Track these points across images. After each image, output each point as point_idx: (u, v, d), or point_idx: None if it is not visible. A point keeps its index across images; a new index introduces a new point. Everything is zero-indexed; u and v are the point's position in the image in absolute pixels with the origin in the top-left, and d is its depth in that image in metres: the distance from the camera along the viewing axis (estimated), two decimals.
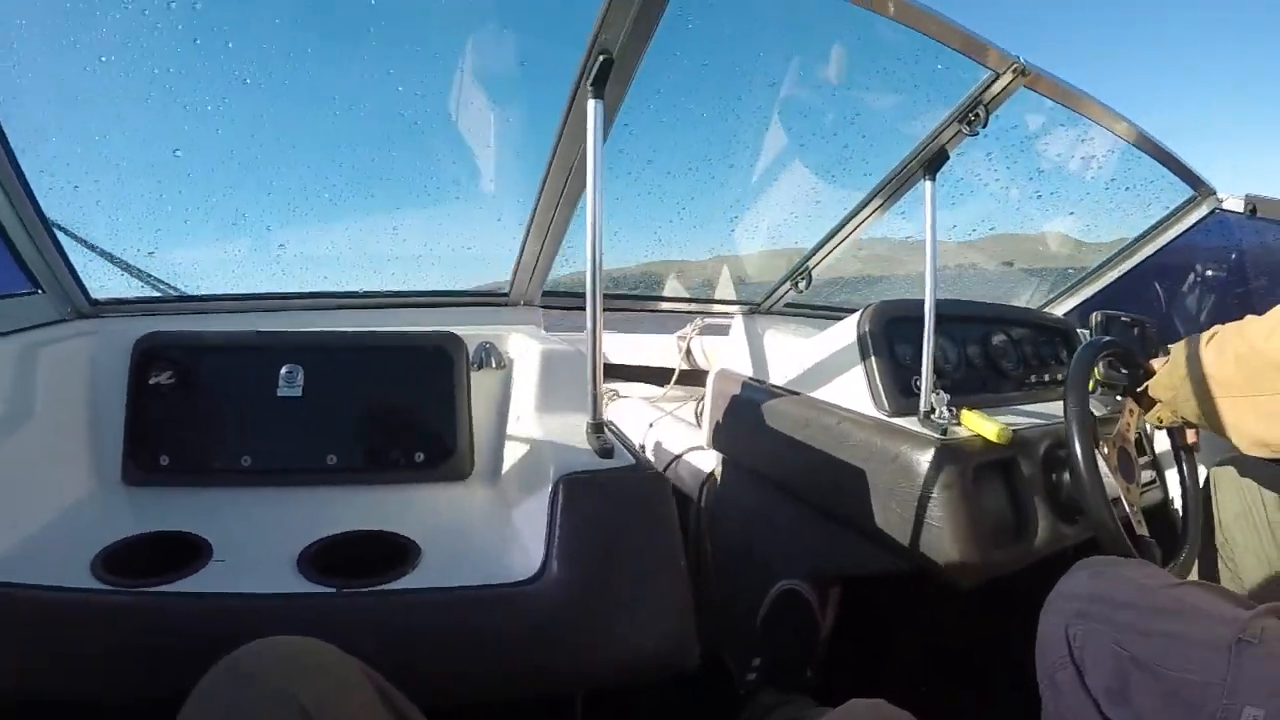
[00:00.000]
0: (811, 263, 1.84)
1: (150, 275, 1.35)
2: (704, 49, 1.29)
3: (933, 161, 1.45)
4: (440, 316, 1.39)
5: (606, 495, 0.91)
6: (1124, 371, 1.36)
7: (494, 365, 1.27)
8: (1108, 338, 1.36)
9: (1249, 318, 1.15)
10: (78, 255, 1.24)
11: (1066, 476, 1.31)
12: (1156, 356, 1.35)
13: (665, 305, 1.95)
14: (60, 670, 0.74)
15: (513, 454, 1.18)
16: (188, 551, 0.90)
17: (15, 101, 1.02)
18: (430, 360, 1.23)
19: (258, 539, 0.97)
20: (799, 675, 1.43)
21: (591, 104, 0.99)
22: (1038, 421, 1.43)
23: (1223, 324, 1.19)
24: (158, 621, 0.77)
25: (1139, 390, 1.34)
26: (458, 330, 1.26)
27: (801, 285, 1.88)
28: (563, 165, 1.23)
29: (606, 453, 0.98)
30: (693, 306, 1.99)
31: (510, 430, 1.22)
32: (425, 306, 1.46)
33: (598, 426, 1.02)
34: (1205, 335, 1.20)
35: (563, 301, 1.64)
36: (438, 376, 1.23)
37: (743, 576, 1.72)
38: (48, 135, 1.11)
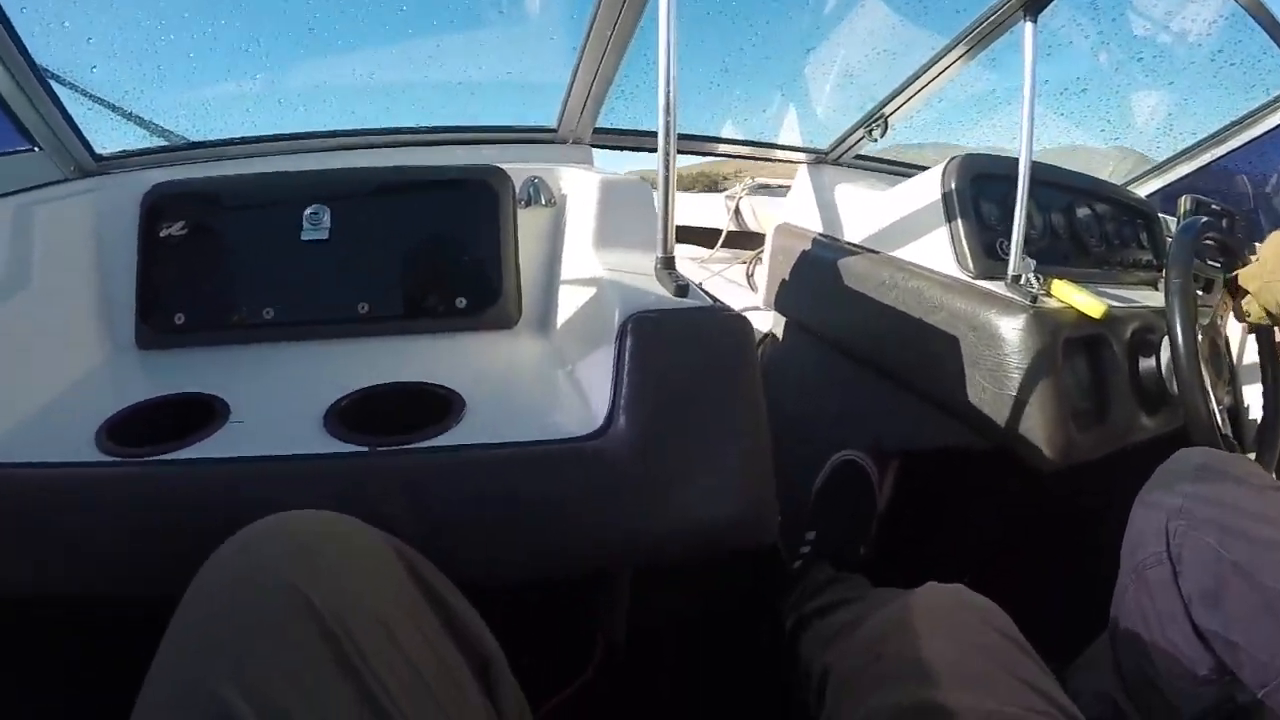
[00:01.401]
0: (888, 109, 1.64)
1: (157, 124, 1.22)
2: None
3: (1035, 1, 1.23)
4: (480, 154, 1.26)
5: (684, 337, 0.77)
6: (1213, 264, 1.27)
7: (543, 202, 1.13)
8: (1206, 219, 1.25)
9: None
10: (75, 106, 1.11)
11: (1153, 363, 1.24)
12: (1247, 252, 1.26)
13: (724, 147, 1.76)
14: (56, 558, 0.65)
15: (567, 299, 1.05)
16: (202, 414, 0.79)
17: None
18: (472, 196, 1.09)
19: (281, 397, 0.87)
20: (853, 551, 1.35)
21: None
22: (1120, 304, 1.30)
23: None
24: (163, 492, 0.67)
25: (1230, 277, 1.23)
26: (503, 164, 1.11)
27: (876, 134, 1.68)
28: None
29: (681, 291, 0.84)
30: (753, 151, 1.79)
31: (564, 273, 1.09)
32: (464, 143, 1.30)
33: (668, 262, 0.87)
34: None
35: (615, 140, 1.47)
36: (480, 214, 1.09)
37: (797, 445, 1.62)
38: None
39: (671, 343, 0.77)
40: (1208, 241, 1.22)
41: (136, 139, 1.21)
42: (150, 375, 0.97)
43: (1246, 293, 1.21)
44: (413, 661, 0.48)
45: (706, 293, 0.90)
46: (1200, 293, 1.25)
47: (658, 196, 0.86)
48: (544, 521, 0.69)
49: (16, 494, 0.66)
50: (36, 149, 1.09)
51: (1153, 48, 1.82)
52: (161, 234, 1.05)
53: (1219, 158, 2.04)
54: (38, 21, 0.99)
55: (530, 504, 0.69)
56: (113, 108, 1.18)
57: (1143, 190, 2.14)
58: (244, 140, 1.21)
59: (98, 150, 1.15)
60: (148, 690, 0.43)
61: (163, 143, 1.21)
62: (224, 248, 1.06)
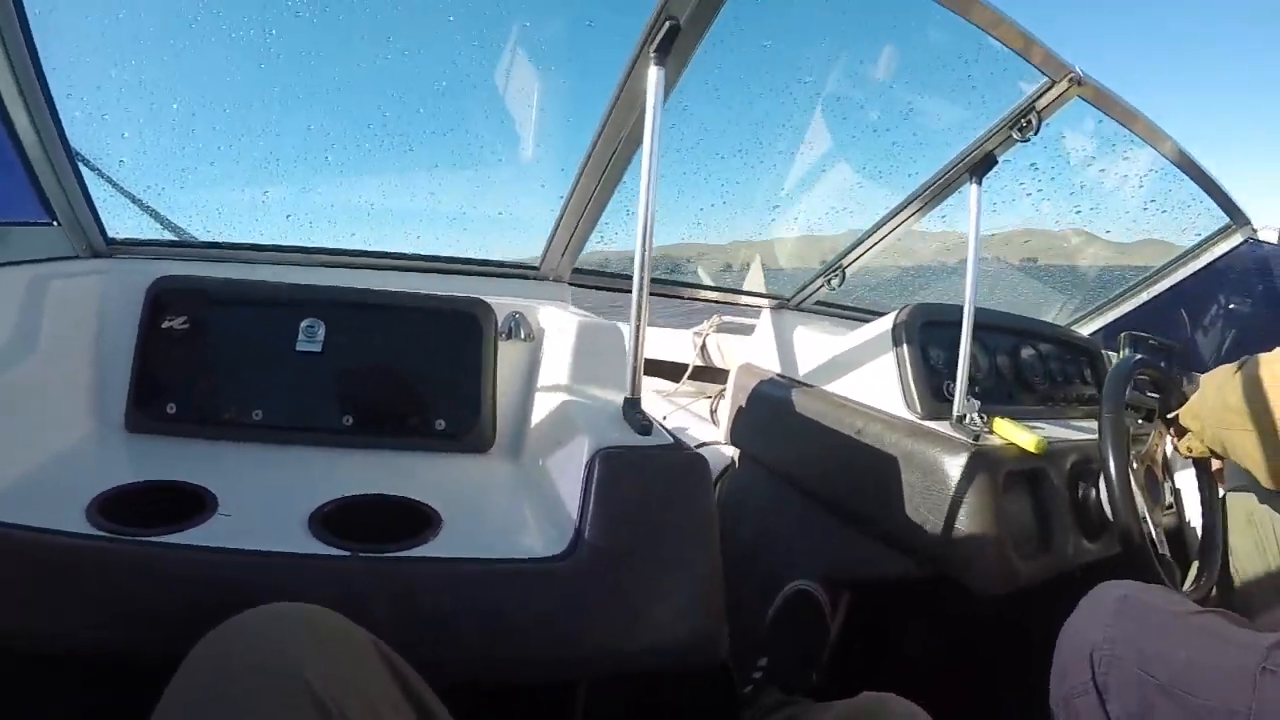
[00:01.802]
0: (846, 260, 1.81)
1: (170, 220, 1.30)
2: (767, 28, 1.24)
3: (980, 165, 1.44)
4: (466, 284, 1.35)
5: (645, 473, 0.86)
6: (1152, 394, 1.37)
7: (522, 336, 1.23)
8: (1140, 356, 1.39)
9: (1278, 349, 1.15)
10: (98, 190, 1.18)
11: (1093, 493, 1.31)
12: (1185, 383, 1.36)
13: (691, 292, 1.91)
14: (48, 619, 0.69)
15: (539, 429, 1.13)
16: (190, 503, 0.84)
17: (51, 16, 0.96)
18: (458, 326, 1.18)
19: (266, 495, 0.92)
20: (805, 678, 1.41)
21: (653, 71, 0.95)
22: (1063, 436, 1.42)
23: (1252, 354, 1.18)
24: (156, 573, 0.72)
25: (1169, 416, 1.33)
26: (485, 298, 1.21)
27: (834, 283, 1.84)
28: (613, 135, 1.18)
29: (644, 430, 0.94)
30: (720, 296, 1.94)
31: (538, 404, 1.17)
32: (453, 273, 1.41)
33: (634, 403, 0.98)
34: (1234, 365, 1.20)
35: (592, 280, 1.59)
36: (464, 343, 1.18)
37: (753, 574, 1.69)
38: (81, 55, 1.05)
39: (635, 476, 0.85)
40: (1142, 376, 1.32)
41: (148, 229, 1.28)
42: (138, 458, 1.01)
43: (1186, 430, 1.29)
44: None
45: (668, 430, 0.99)
46: (1141, 421, 1.37)
47: (628, 341, 0.97)
48: (511, 632, 0.75)
49: (11, 551, 0.70)
50: (55, 224, 1.16)
51: (1090, 199, 2.01)
52: (163, 325, 1.11)
53: (1156, 295, 2.24)
54: (80, 108, 1.08)
55: (500, 615, 0.75)
56: (131, 197, 1.26)
57: (1086, 329, 2.33)
58: (250, 246, 1.29)
59: (110, 234, 1.22)
60: None
61: (172, 237, 1.29)
62: (222, 346, 1.12)
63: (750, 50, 1.26)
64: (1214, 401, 1.21)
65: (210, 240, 1.30)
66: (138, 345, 1.11)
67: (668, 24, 0.97)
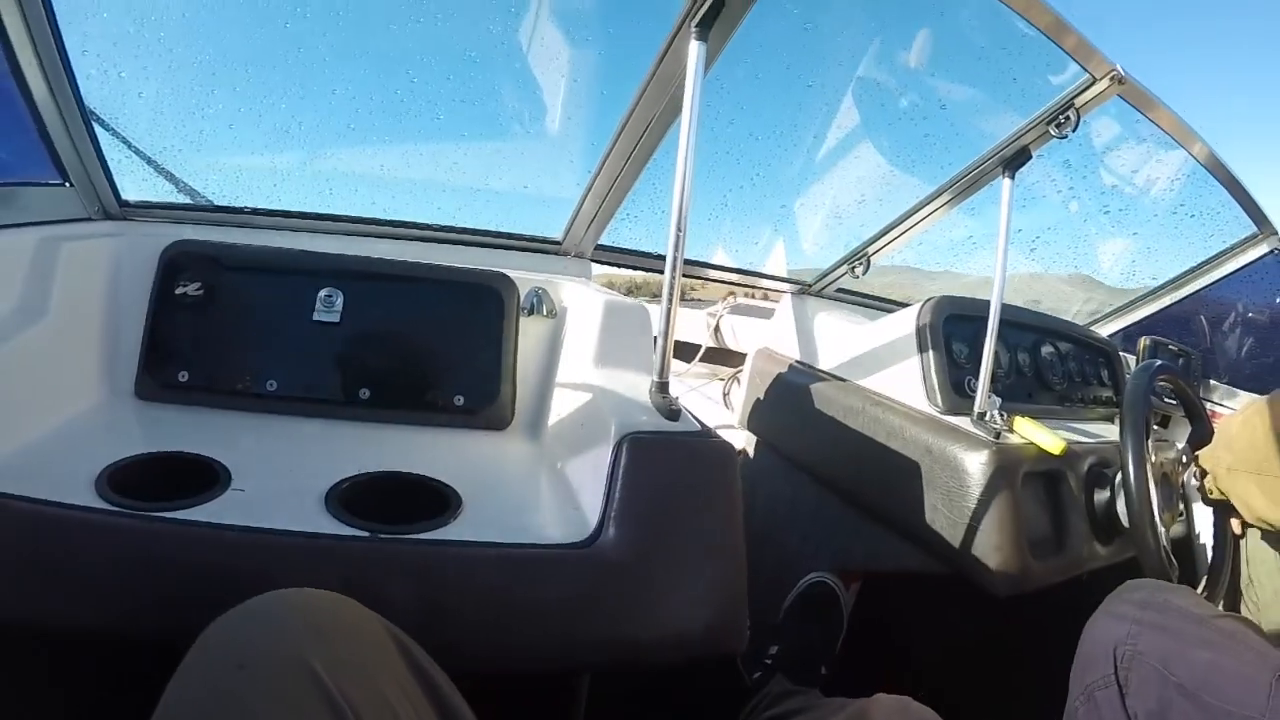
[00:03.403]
0: (872, 249, 1.78)
1: (186, 183, 1.26)
2: (809, 8, 1.20)
3: (1014, 159, 1.41)
4: (486, 257, 1.33)
5: (674, 460, 0.83)
6: (1170, 400, 1.40)
7: (544, 313, 1.20)
8: (1162, 362, 1.34)
9: None
10: (112, 150, 1.15)
11: (1108, 495, 1.31)
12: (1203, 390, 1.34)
13: (716, 273, 1.88)
14: (54, 596, 0.66)
15: (561, 408, 1.11)
16: (202, 476, 0.82)
17: None
18: (479, 300, 1.15)
19: (281, 470, 0.89)
20: (814, 668, 1.40)
21: (694, 45, 0.91)
22: (1079, 438, 1.40)
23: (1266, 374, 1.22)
24: (167, 552, 0.69)
25: (1194, 455, 1.32)
26: (506, 271, 1.18)
27: (859, 271, 1.82)
28: (648, 109, 1.15)
29: (673, 415, 0.91)
30: (741, 278, 1.92)
31: (559, 383, 1.14)
32: (472, 245, 1.38)
33: (663, 387, 0.95)
34: (1252, 409, 1.19)
35: (614, 258, 1.57)
36: (486, 318, 1.15)
37: (763, 561, 1.68)
38: (98, 9, 1.02)
39: (662, 463, 0.82)
40: (1162, 383, 1.30)
41: (163, 192, 1.24)
42: (148, 427, 0.98)
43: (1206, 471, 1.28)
44: None
45: (695, 417, 0.96)
46: (1157, 426, 1.35)
47: (658, 323, 0.93)
48: (532, 619, 0.73)
49: (16, 525, 0.67)
50: (67, 185, 1.13)
51: (1120, 200, 1.98)
52: (177, 290, 1.08)
53: (1178, 300, 2.22)
54: (96, 65, 1.04)
55: (521, 602, 0.73)
56: (146, 159, 1.22)
57: (1105, 330, 2.31)
58: (268, 212, 1.26)
59: (124, 196, 1.18)
60: None
61: (187, 200, 1.25)
62: (237, 314, 1.09)
63: (791, 30, 1.23)
64: (1224, 452, 1.22)
65: (227, 205, 1.27)
66: (150, 310, 1.08)
67: None
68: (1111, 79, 1.32)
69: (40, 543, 0.67)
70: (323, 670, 0.48)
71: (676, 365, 2.52)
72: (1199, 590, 1.31)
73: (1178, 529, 1.56)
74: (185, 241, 1.11)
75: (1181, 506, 1.56)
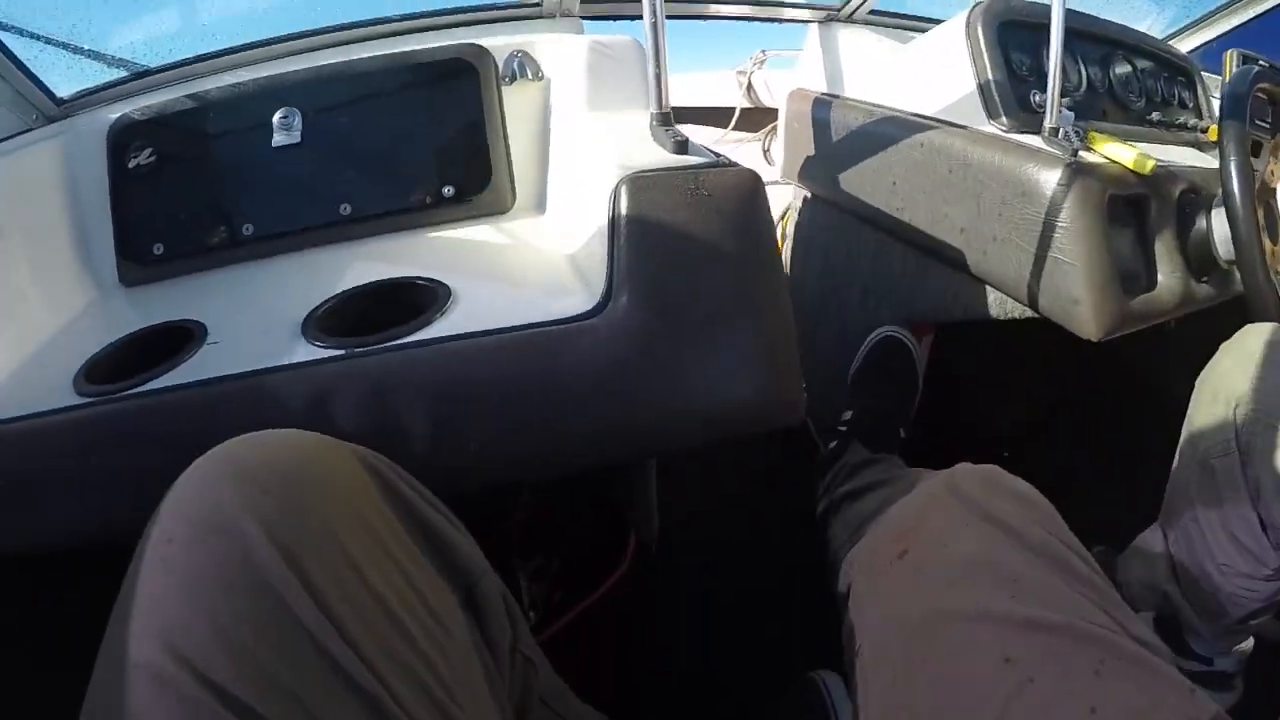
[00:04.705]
0: None
1: (114, 56, 1.14)
2: None
3: None
4: (461, 38, 1.14)
5: (685, 198, 0.67)
6: (1264, 124, 1.16)
7: (529, 76, 1.02)
8: (1260, 68, 1.10)
9: None
10: (29, 53, 1.04)
11: (1204, 227, 1.11)
12: None
13: (726, 9, 1.61)
14: (32, 508, 0.62)
15: (561, 175, 0.97)
16: (180, 341, 0.74)
17: None
18: (451, 78, 1.01)
19: (260, 312, 0.81)
20: (891, 431, 1.29)
21: None
22: (1165, 160, 1.16)
23: None
24: (133, 427, 0.63)
25: None
26: (483, 41, 1.02)
27: None
28: None
29: (680, 146, 0.74)
30: (754, 10, 1.63)
31: (556, 149, 1.00)
32: (441, 28, 1.20)
33: (664, 118, 0.77)
34: None
35: (610, 9, 1.34)
36: (462, 96, 1.00)
37: (826, 323, 1.57)
38: None
39: (672, 204, 0.67)
40: (1260, 95, 1.09)
41: (96, 76, 1.13)
42: (135, 311, 0.92)
43: None
44: (379, 594, 0.41)
45: (710, 150, 0.80)
46: (1264, 141, 1.16)
47: (647, 44, 0.76)
48: (540, 411, 0.62)
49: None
50: None
51: None
52: (130, 166, 0.99)
53: (1267, 9, 1.87)
54: None
55: (522, 393, 0.62)
56: (64, 46, 1.10)
57: (1184, 46, 1.99)
58: (204, 57, 1.12)
59: (59, 94, 1.09)
60: (99, 661, 0.39)
61: (124, 74, 1.13)
62: (195, 170, 1.00)
63: None
64: None
65: (162, 65, 1.13)
66: (111, 195, 1.00)
67: None
68: None
69: (22, 461, 0.63)
70: (260, 538, 0.39)
71: (711, 133, 2.31)
72: None
73: None
74: (124, 116, 1.02)
75: None
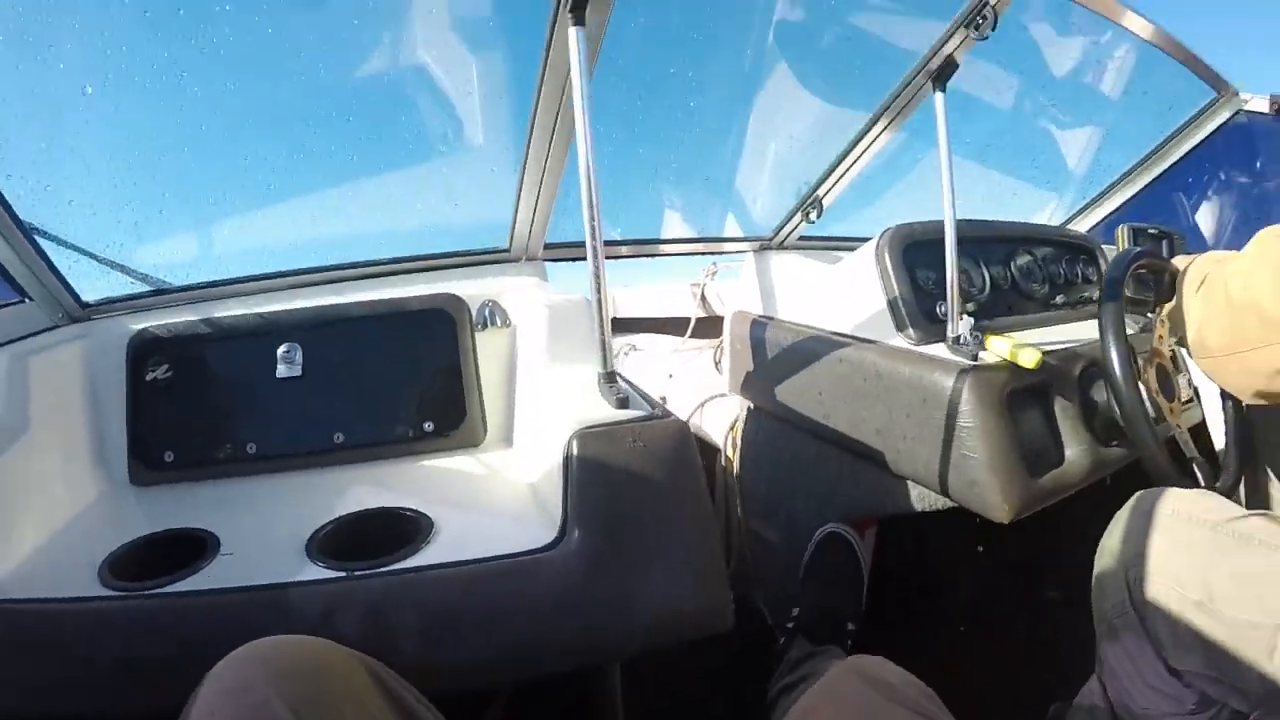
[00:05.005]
0: (821, 191, 1.75)
1: (138, 271, 1.28)
2: None
3: (941, 71, 1.36)
4: (442, 280, 1.33)
5: (624, 447, 0.85)
6: (1149, 296, 1.26)
7: (499, 324, 1.22)
8: (1140, 249, 1.27)
9: (1229, 253, 1.07)
10: (61, 258, 1.18)
11: (1104, 397, 1.23)
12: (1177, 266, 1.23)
13: (670, 248, 1.86)
14: (65, 686, 0.71)
15: (525, 416, 1.13)
16: (196, 549, 0.86)
17: None
18: (432, 324, 1.19)
19: (267, 528, 0.94)
20: (836, 624, 1.38)
21: (572, 32, 0.90)
22: (1069, 342, 1.34)
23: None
24: (160, 625, 0.74)
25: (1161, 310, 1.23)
26: (459, 291, 1.20)
27: (813, 215, 1.77)
28: (550, 103, 1.14)
29: (621, 403, 0.92)
30: (700, 247, 1.89)
31: (521, 392, 1.17)
32: (424, 270, 1.38)
33: (610, 376, 0.95)
34: (1194, 273, 1.12)
35: (568, 253, 1.55)
36: (441, 341, 1.18)
37: (776, 525, 1.67)
38: (8, 137, 1.05)
39: (615, 453, 0.84)
40: (1142, 270, 1.21)
41: (120, 286, 1.27)
42: (145, 511, 1.03)
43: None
44: None
45: (647, 398, 0.97)
46: (1150, 314, 1.27)
47: (592, 314, 0.94)
48: (509, 628, 0.76)
49: (27, 628, 0.72)
50: (27, 300, 1.16)
51: (1064, 90, 1.89)
52: (147, 376, 1.14)
53: (1151, 181, 2.13)
54: (23, 186, 1.07)
55: (493, 614, 0.76)
56: (95, 257, 1.24)
57: (1084, 225, 2.23)
58: (220, 283, 1.29)
59: (84, 298, 1.22)
60: None
61: (144, 288, 1.28)
62: (207, 388, 1.14)
63: None
64: (1181, 308, 1.12)
65: (181, 285, 1.29)
66: (128, 401, 1.13)
67: None
68: None
69: (53, 640, 0.72)
70: (286, 710, 0.51)
71: (670, 341, 2.53)
72: (1224, 481, 1.22)
73: (1192, 415, 1.49)
74: (146, 330, 1.16)
75: (1190, 393, 1.49)
